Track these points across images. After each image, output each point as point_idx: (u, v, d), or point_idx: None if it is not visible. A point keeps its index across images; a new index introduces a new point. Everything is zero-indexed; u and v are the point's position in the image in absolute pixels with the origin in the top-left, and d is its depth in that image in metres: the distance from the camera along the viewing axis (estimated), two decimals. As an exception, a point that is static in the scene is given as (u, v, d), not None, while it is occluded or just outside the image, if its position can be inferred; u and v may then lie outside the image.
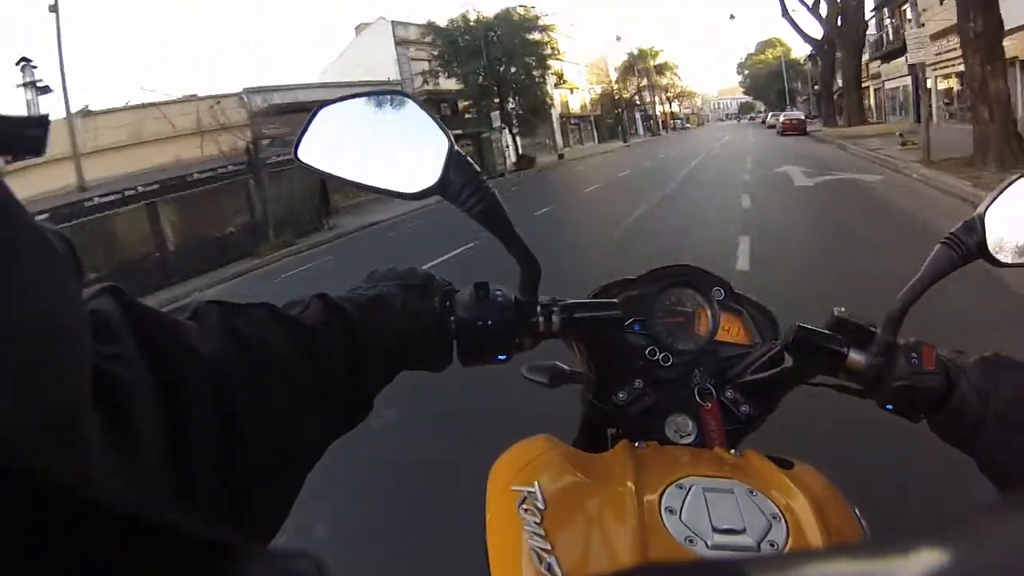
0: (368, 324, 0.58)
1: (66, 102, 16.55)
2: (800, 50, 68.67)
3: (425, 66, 29.83)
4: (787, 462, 0.71)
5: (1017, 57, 18.41)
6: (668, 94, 78.11)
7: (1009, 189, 0.70)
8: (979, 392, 0.66)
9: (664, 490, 0.60)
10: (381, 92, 0.67)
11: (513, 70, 29.90)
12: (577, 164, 31.91)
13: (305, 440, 0.50)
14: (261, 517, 0.44)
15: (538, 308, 0.73)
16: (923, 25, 26.55)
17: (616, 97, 56.83)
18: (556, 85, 46.60)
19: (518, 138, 31.99)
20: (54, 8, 15.88)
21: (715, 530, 0.55)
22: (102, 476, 0.26)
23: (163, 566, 0.18)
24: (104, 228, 14.28)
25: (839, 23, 27.91)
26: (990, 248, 0.69)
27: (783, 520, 0.57)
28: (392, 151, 0.67)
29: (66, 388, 0.23)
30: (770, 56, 75.49)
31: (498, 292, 0.70)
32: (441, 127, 0.66)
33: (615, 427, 0.83)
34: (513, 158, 30.84)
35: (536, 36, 30.77)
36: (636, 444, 0.73)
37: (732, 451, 0.74)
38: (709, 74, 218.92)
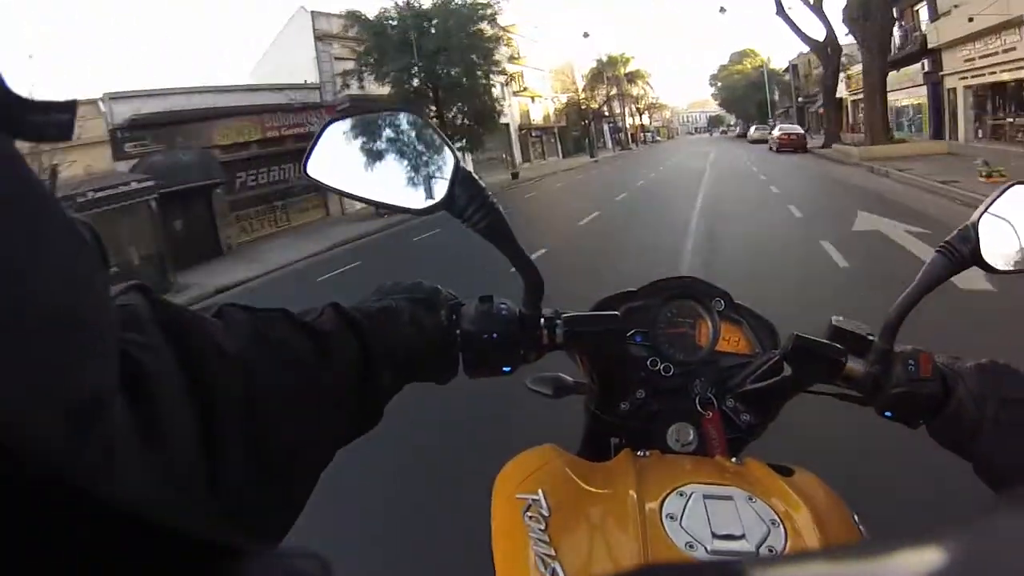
0: (377, 335, 0.60)
1: None
2: (778, 60, 65.14)
3: (351, 65, 23.85)
4: (787, 469, 0.72)
5: None
6: (639, 105, 73.81)
7: (1002, 197, 0.72)
8: (976, 398, 0.68)
9: (665, 497, 0.61)
10: (390, 109, 0.71)
11: (455, 71, 24.06)
12: (530, 189, 26.18)
13: (318, 443, 0.51)
14: (274, 517, 0.45)
15: (542, 321, 0.75)
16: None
17: (583, 107, 52.01)
18: (516, 92, 41.48)
19: (465, 154, 26.40)
20: None
21: (715, 536, 0.56)
22: (128, 463, 0.26)
23: (173, 561, 0.18)
24: None
25: (860, 19, 22.68)
26: (984, 255, 0.71)
27: (782, 526, 0.58)
28: (399, 167, 0.69)
29: (94, 374, 0.23)
30: (749, 66, 71.58)
31: (503, 305, 0.73)
32: (448, 144, 0.68)
33: (618, 437, 0.84)
34: (448, 180, 25.29)
35: (485, 29, 24.87)
36: (638, 453, 0.74)
37: (733, 459, 0.75)
38: (677, 86, 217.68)
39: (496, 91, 26.59)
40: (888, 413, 0.74)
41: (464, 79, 24.17)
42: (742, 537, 0.57)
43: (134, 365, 0.32)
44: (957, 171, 13.54)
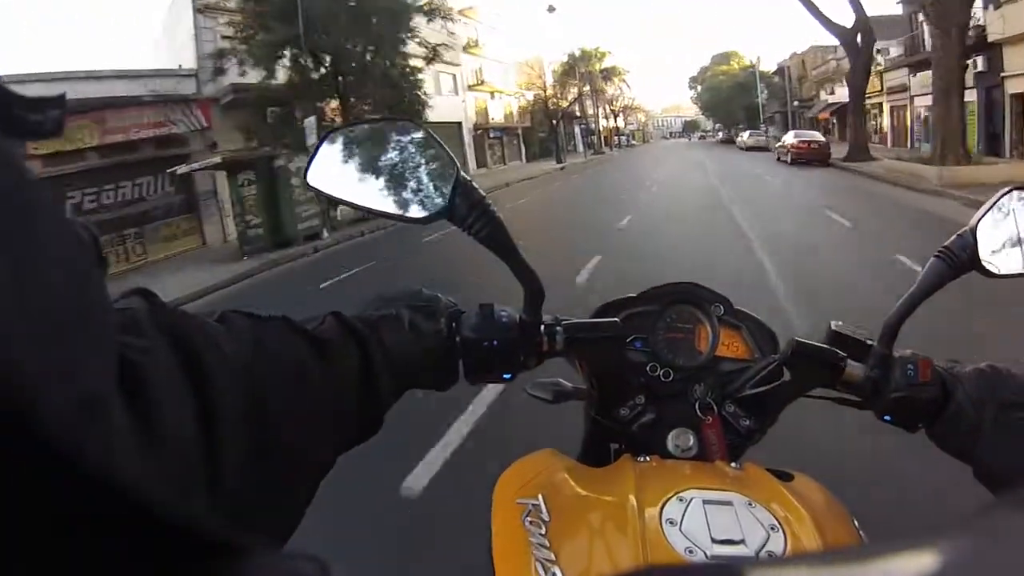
0: (378, 343, 0.61)
1: None
2: (764, 63, 60.16)
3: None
4: (787, 474, 0.73)
5: None
6: (613, 106, 68.40)
7: (1000, 202, 0.73)
8: (975, 402, 0.69)
9: (665, 502, 0.61)
10: (389, 119, 0.73)
11: (358, 47, 17.59)
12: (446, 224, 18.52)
13: (319, 449, 0.52)
14: (275, 521, 0.46)
15: (542, 327, 0.76)
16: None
17: (551, 105, 46.34)
18: (472, 86, 35.60)
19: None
20: None
21: (714, 541, 0.57)
22: (127, 467, 0.26)
23: (174, 558, 0.18)
24: None
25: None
26: (982, 260, 0.72)
27: (782, 531, 0.58)
28: (399, 176, 0.71)
29: (91, 375, 0.23)
30: (736, 66, 66.61)
31: (503, 312, 0.73)
32: (448, 152, 0.69)
33: (618, 442, 0.85)
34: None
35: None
36: (638, 458, 0.74)
37: (733, 464, 0.75)
38: (651, 90, 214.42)
39: (426, 80, 20.48)
40: (887, 417, 0.75)
41: (369, 58, 17.48)
42: (741, 542, 0.57)
43: (133, 367, 0.32)
44: None
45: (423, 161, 0.71)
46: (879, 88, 31.28)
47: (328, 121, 16.61)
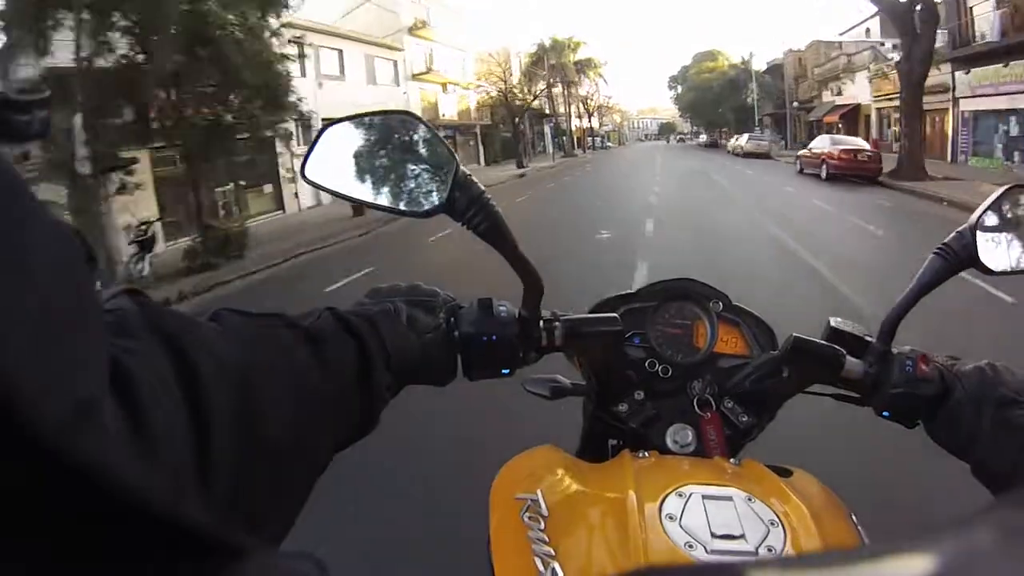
0: (375, 340, 0.61)
1: None
2: (753, 61, 54.87)
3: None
4: (786, 470, 0.74)
5: None
6: (588, 103, 62.75)
7: (999, 199, 0.75)
8: (974, 399, 0.70)
9: (664, 498, 0.62)
10: (388, 112, 0.72)
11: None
12: (309, 273, 10.56)
13: (315, 447, 0.52)
14: (271, 521, 0.45)
15: (541, 323, 0.77)
16: None
17: (517, 101, 40.54)
18: (417, 76, 29.65)
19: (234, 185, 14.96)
20: None
21: (714, 536, 0.57)
22: (122, 469, 0.25)
23: (172, 558, 0.18)
24: None
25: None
26: (981, 257, 0.73)
27: (781, 526, 0.59)
28: (398, 170, 0.71)
29: (84, 379, 0.23)
30: (724, 63, 61.05)
31: (502, 308, 0.74)
32: (446, 146, 0.70)
33: (616, 438, 0.86)
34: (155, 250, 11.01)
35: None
36: (637, 454, 0.75)
37: (732, 460, 0.76)
38: (626, 91, 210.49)
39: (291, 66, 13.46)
40: (886, 413, 0.76)
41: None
42: (741, 537, 0.57)
43: (123, 370, 0.32)
44: None
45: (422, 155, 0.70)
46: (897, 88, 26.13)
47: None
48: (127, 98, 10.53)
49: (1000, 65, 19.13)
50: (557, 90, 49.69)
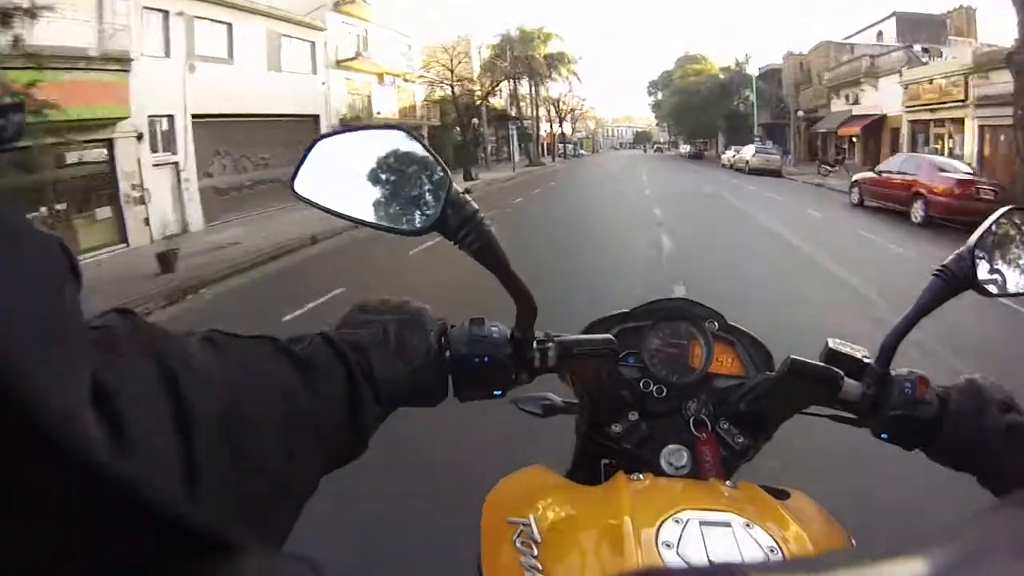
0: (366, 369, 0.61)
1: None
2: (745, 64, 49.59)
3: None
4: (783, 492, 0.74)
5: None
6: (560, 107, 57.00)
7: (998, 222, 0.76)
8: (974, 409, 0.71)
9: (661, 524, 0.61)
10: (380, 127, 0.72)
11: None
12: None
13: (303, 469, 0.51)
14: (259, 539, 0.46)
15: (534, 344, 0.76)
16: None
17: (477, 99, 34.62)
18: (341, 62, 23.57)
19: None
20: None
21: (712, 564, 0.57)
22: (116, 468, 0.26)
23: (171, 556, 0.18)
24: None
25: None
26: (980, 279, 0.74)
27: (780, 552, 0.59)
28: (390, 187, 0.70)
29: (64, 392, 0.23)
30: (715, 67, 55.22)
31: (494, 328, 0.74)
32: (440, 163, 0.69)
33: (609, 459, 0.85)
34: None
35: None
36: (632, 476, 0.74)
37: (727, 482, 0.76)
38: (601, 98, 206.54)
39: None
40: (884, 436, 0.76)
41: None
42: None
43: (106, 384, 0.32)
44: None
45: (415, 171, 0.70)
46: (959, 98, 20.84)
47: None
48: None
49: None
50: (525, 90, 43.88)
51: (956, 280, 0.75)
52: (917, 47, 27.59)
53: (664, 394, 0.86)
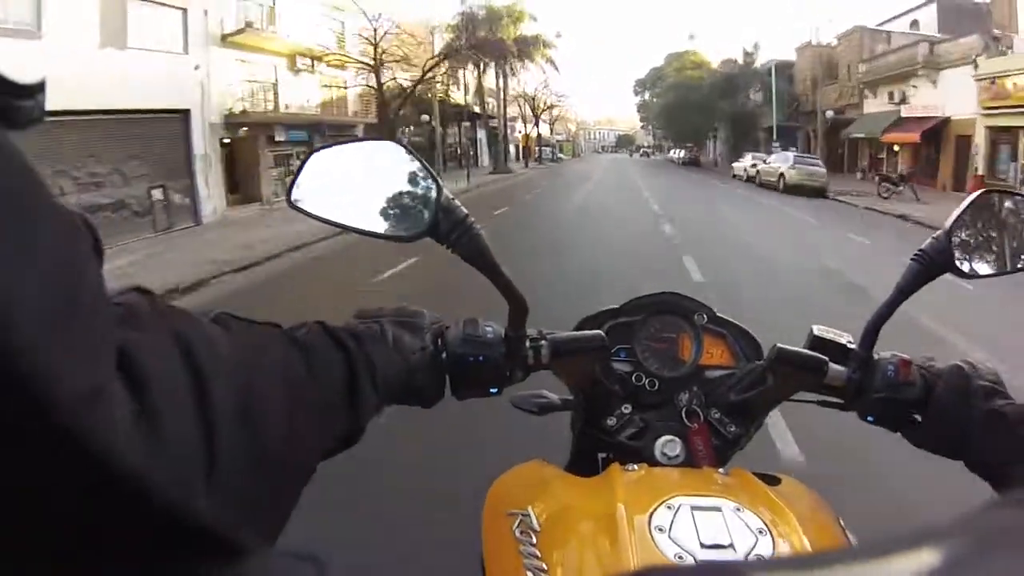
0: (363, 356, 0.62)
1: None
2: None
3: None
4: (774, 478, 0.77)
5: None
6: (536, 103, 50.83)
7: (972, 206, 0.78)
8: (959, 394, 0.73)
9: (654, 510, 0.63)
10: (372, 139, 0.88)
11: None
12: None
13: (305, 453, 0.53)
14: (262, 524, 0.46)
15: (527, 342, 0.80)
16: None
17: (427, 93, 28.28)
18: (230, 38, 17.15)
19: None
20: None
21: (703, 546, 0.59)
22: (130, 453, 0.26)
23: (172, 551, 0.19)
24: None
25: None
26: (957, 262, 0.77)
27: (769, 534, 0.61)
28: (383, 196, 0.73)
29: (90, 366, 0.24)
30: (712, 62, 49.11)
31: (488, 328, 0.77)
32: (430, 172, 0.72)
33: (606, 452, 0.88)
34: None
35: None
36: (626, 467, 0.77)
37: (720, 470, 0.79)
38: (582, 100, 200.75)
39: None
40: (870, 418, 0.79)
41: None
42: (730, 547, 0.59)
43: (132, 358, 0.33)
44: None
45: (406, 180, 0.72)
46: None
47: None
48: None
49: None
50: (495, 85, 37.70)
51: (934, 264, 0.76)
52: (974, 38, 21.89)
53: (656, 387, 0.90)
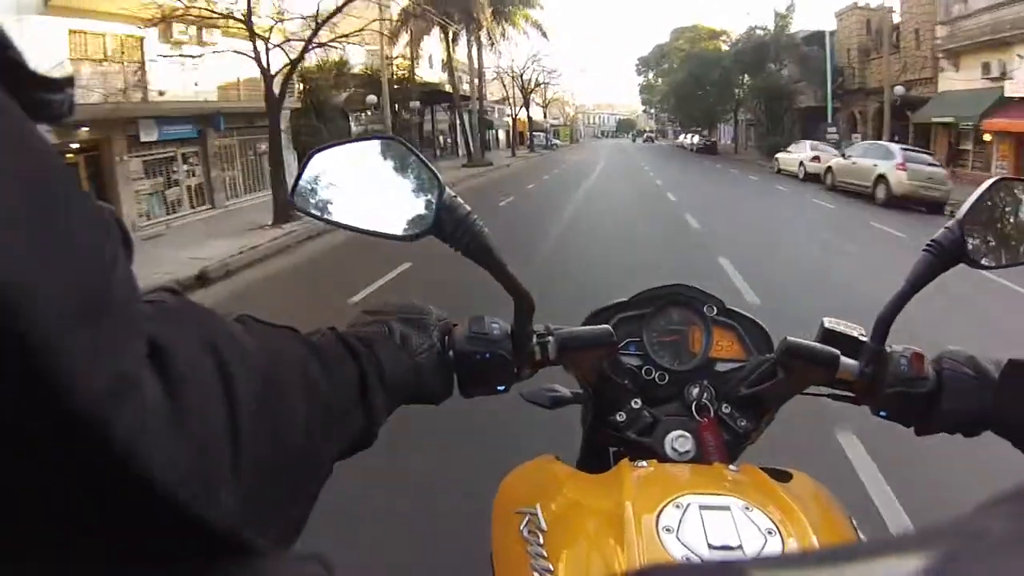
0: (373, 360, 0.64)
1: None
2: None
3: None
4: (785, 474, 0.76)
5: None
6: (526, 82, 44.66)
7: (985, 194, 0.77)
8: (968, 388, 0.73)
9: (662, 509, 0.63)
10: (373, 138, 0.75)
11: None
12: None
13: (322, 455, 0.54)
14: (282, 524, 0.47)
15: (534, 338, 0.79)
16: None
17: (400, 72, 22.75)
18: (48, 1, 11.29)
19: None
20: None
21: (711, 547, 0.59)
22: (158, 444, 0.27)
23: (186, 550, 0.19)
24: None
25: None
26: (969, 252, 0.75)
27: (779, 535, 0.61)
28: (385, 195, 0.73)
29: (120, 356, 0.24)
30: (732, 33, 42.35)
31: (494, 325, 0.77)
32: (432, 169, 0.72)
33: (616, 447, 0.88)
34: None
35: None
36: (636, 463, 0.76)
37: (730, 466, 0.78)
38: (581, 84, 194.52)
39: None
40: (883, 413, 0.79)
41: None
42: (739, 548, 0.59)
43: (162, 347, 0.33)
44: None
45: (408, 179, 0.73)
46: None
47: None
48: None
49: None
50: (469, 61, 31.95)
51: (946, 254, 0.75)
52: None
53: (666, 380, 0.89)
